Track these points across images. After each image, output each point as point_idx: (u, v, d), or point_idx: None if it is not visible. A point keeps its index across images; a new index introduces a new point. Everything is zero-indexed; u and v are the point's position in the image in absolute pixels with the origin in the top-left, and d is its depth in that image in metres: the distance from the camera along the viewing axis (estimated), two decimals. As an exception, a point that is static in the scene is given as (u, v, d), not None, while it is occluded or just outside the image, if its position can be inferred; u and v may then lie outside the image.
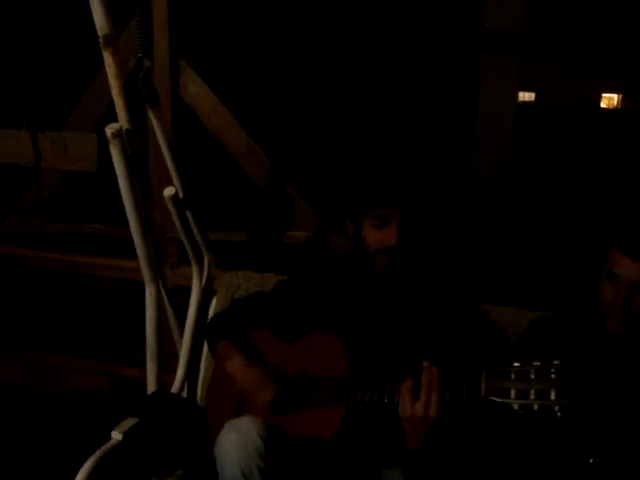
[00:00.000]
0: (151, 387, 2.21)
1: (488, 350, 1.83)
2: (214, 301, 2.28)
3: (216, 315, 2.11)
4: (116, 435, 1.82)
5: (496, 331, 1.95)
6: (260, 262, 2.50)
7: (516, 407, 1.40)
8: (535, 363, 1.42)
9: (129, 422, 1.89)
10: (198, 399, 2.22)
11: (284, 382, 1.79)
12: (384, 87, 3.12)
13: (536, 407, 1.37)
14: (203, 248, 2.24)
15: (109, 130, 1.87)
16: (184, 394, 2.22)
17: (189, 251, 2.18)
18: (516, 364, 1.44)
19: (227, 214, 3.05)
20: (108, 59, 1.86)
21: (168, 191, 1.97)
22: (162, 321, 2.24)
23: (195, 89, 2.89)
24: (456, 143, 2.86)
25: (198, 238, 2.19)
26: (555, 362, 1.40)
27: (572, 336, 1.73)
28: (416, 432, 1.52)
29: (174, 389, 2.15)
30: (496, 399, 1.42)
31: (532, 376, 1.41)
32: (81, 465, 1.73)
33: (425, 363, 1.51)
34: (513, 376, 1.42)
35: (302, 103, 3.20)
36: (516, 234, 2.62)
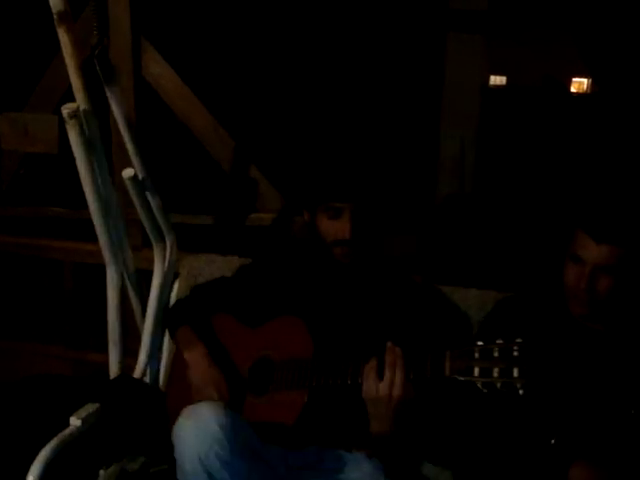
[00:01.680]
0: (114, 372, 2.16)
1: (449, 331, 1.83)
2: (176, 285, 2.24)
3: (177, 301, 2.08)
4: (75, 421, 1.78)
5: (456, 313, 1.96)
6: (224, 245, 2.46)
7: (479, 385, 1.40)
8: (498, 341, 1.42)
9: (89, 408, 1.85)
10: (161, 384, 2.19)
11: (239, 378, 1.77)
12: (348, 69, 3.08)
13: (499, 385, 1.38)
14: (165, 230, 2.19)
15: (65, 110, 1.81)
16: (146, 379, 2.18)
17: (150, 234, 2.14)
18: (479, 342, 1.44)
19: (191, 196, 3.00)
20: (63, 37, 1.80)
21: (127, 172, 1.93)
22: (126, 305, 2.20)
23: (158, 69, 2.83)
24: (421, 128, 2.84)
25: (160, 220, 2.14)
26: (517, 340, 1.40)
27: (536, 317, 1.73)
28: (380, 413, 1.52)
29: (136, 374, 2.11)
30: (460, 378, 1.42)
31: (495, 354, 1.41)
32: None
33: (388, 343, 1.51)
34: (477, 355, 1.43)
35: (267, 85, 3.15)
36: (482, 219, 2.60)
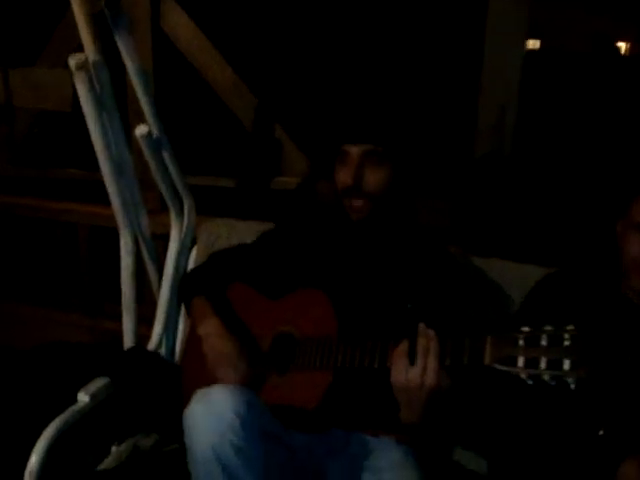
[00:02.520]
0: (128, 343, 2.06)
1: (486, 311, 1.67)
2: (194, 251, 2.11)
3: (192, 270, 1.93)
4: (82, 397, 1.67)
5: (494, 289, 1.82)
6: (246, 210, 2.32)
7: (524, 376, 1.24)
8: (546, 328, 1.26)
9: (98, 383, 1.74)
10: (177, 358, 2.07)
11: (259, 355, 1.63)
12: (383, 24, 2.87)
13: (547, 377, 1.22)
14: (183, 194, 2.06)
15: (73, 61, 1.67)
16: (162, 351, 2.07)
17: (166, 197, 2.00)
18: (525, 328, 1.28)
19: (210, 157, 2.86)
20: (70, -22, 1.65)
21: (140, 129, 1.78)
22: (141, 272, 2.10)
23: (176, 19, 2.67)
24: (459, 88, 2.64)
25: (177, 183, 2.01)
26: (569, 327, 1.24)
27: (585, 297, 1.57)
28: (410, 401, 1.37)
29: (151, 346, 2.00)
30: (502, 367, 1.26)
31: (543, 342, 1.25)
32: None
33: (421, 325, 1.35)
34: (521, 342, 1.26)
35: (292, 37, 2.96)
36: (522, 184, 2.42)
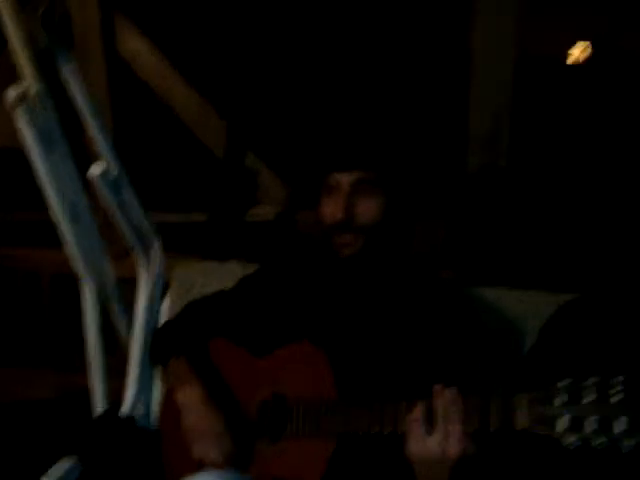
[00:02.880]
0: (98, 407, 1.83)
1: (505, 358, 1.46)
2: (167, 300, 1.87)
3: (167, 323, 1.69)
4: (46, 485, 1.43)
5: (510, 328, 1.61)
6: (221, 246, 2.09)
7: (566, 442, 1.02)
8: (590, 380, 1.04)
9: (64, 464, 1.50)
10: (153, 419, 1.84)
11: (245, 423, 1.41)
12: (364, 37, 2.66)
13: (595, 442, 1.00)
14: (148, 236, 1.83)
15: (10, 94, 1.45)
16: (137, 412, 1.83)
17: (129, 241, 1.77)
18: (563, 382, 1.06)
19: (180, 191, 2.62)
20: (2, 1, 1.44)
21: (95, 169, 1.55)
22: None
23: (135, 45, 2.45)
24: (447, 93, 2.44)
25: (141, 224, 1.78)
26: (618, 378, 1.03)
27: (619, 327, 1.36)
28: (430, 475, 1.15)
29: (124, 410, 1.76)
30: (538, 431, 1.04)
31: (588, 398, 1.03)
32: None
33: (437, 387, 1.13)
34: (561, 399, 1.04)
35: (264, 54, 2.74)
36: (520, 201, 2.22)
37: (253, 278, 1.63)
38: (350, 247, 1.36)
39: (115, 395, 1.83)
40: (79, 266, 1.75)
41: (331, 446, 1.26)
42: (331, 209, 1.35)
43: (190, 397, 1.41)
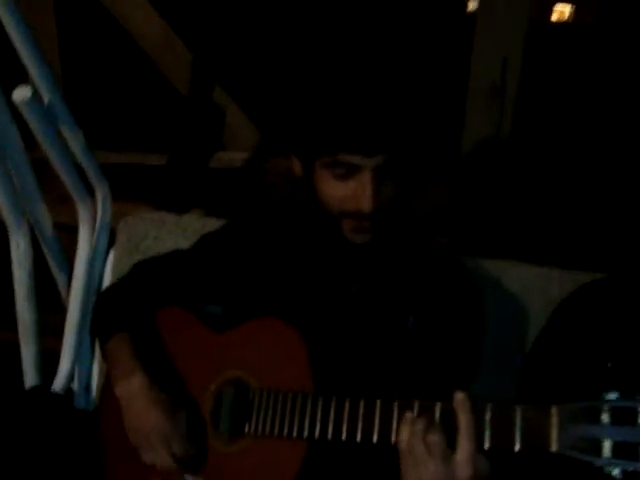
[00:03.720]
0: (29, 378, 1.60)
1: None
2: (111, 255, 1.60)
3: (109, 288, 1.42)
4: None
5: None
6: (179, 194, 1.83)
7: (612, 473, 0.81)
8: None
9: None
10: (94, 394, 1.59)
11: (196, 416, 1.17)
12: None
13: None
14: (93, 180, 1.55)
15: None
16: (74, 386, 1.58)
17: (68, 186, 1.49)
18: (610, 395, 0.85)
19: (135, 128, 2.32)
20: None
21: (21, 93, 1.25)
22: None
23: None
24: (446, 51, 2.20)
25: (84, 164, 1.50)
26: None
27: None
28: None
29: (57, 386, 1.50)
30: (578, 456, 0.83)
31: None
32: None
33: (460, 395, 0.91)
34: (608, 417, 0.82)
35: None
36: (524, 172, 1.98)
37: (218, 237, 1.36)
38: (367, 234, 1.13)
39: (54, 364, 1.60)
40: (6, 213, 1.49)
41: (302, 449, 1.04)
42: (347, 196, 1.09)
43: (131, 388, 1.16)
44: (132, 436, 1.13)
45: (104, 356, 1.27)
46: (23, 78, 1.34)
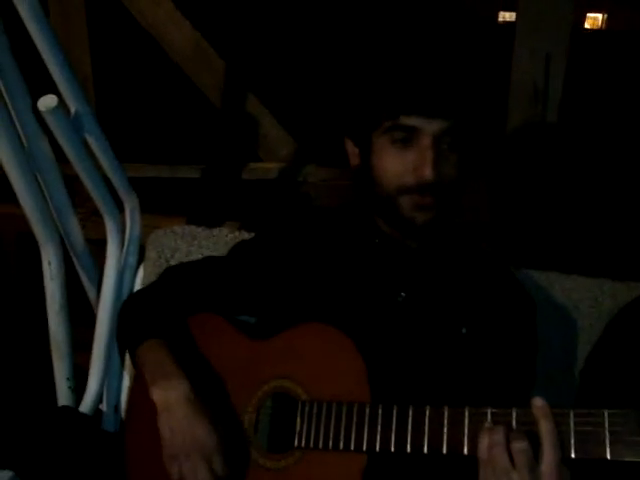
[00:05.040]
0: (61, 398, 1.52)
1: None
2: (140, 272, 1.55)
3: (138, 293, 1.36)
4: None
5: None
6: (212, 207, 1.78)
7: None
8: None
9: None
10: (123, 417, 1.54)
11: (239, 427, 1.09)
12: None
13: None
14: (121, 193, 1.50)
15: None
16: (103, 407, 1.53)
17: (95, 198, 1.44)
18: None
19: (167, 140, 2.29)
20: None
21: (45, 101, 1.21)
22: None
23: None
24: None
25: (112, 177, 1.46)
26: None
27: None
28: None
29: (84, 408, 1.45)
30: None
31: None
32: None
33: (539, 401, 0.86)
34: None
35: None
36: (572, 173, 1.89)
37: (254, 244, 1.30)
38: (428, 211, 1.09)
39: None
40: (37, 229, 1.44)
41: (360, 463, 0.97)
42: (411, 165, 1.06)
43: (173, 395, 1.08)
44: (169, 447, 1.06)
45: (135, 362, 1.20)
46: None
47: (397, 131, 1.04)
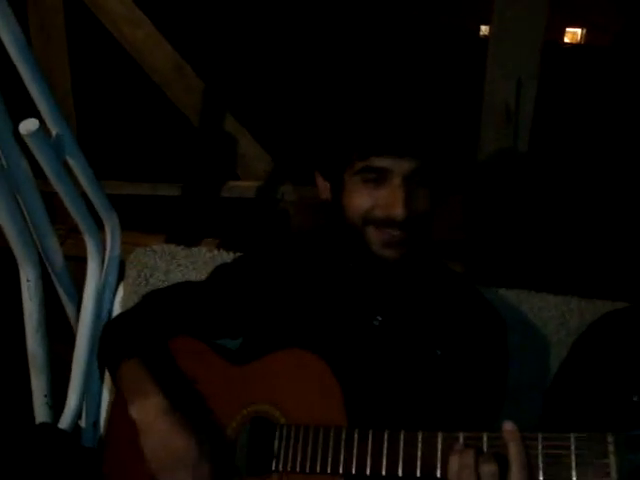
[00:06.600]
0: (40, 414, 1.54)
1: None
2: (120, 290, 1.57)
3: (119, 316, 1.38)
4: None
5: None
6: (192, 224, 1.79)
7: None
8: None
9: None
10: (101, 432, 1.55)
11: (222, 448, 1.11)
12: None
13: None
14: (102, 212, 1.52)
15: None
16: (83, 423, 1.54)
17: (75, 218, 1.45)
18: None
19: (144, 159, 2.30)
20: None
21: (26, 125, 1.23)
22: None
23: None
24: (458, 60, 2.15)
25: (92, 196, 1.48)
26: None
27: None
28: None
29: (64, 424, 1.46)
30: None
31: None
32: None
33: (509, 424, 0.88)
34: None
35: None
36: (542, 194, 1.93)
37: (233, 267, 1.33)
38: (398, 248, 1.12)
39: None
40: (16, 248, 1.44)
41: None
42: (382, 201, 1.09)
43: (151, 412, 1.10)
44: (154, 461, 1.07)
45: (115, 381, 1.22)
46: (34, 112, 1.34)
47: (369, 172, 1.07)
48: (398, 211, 1.06)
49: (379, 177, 1.07)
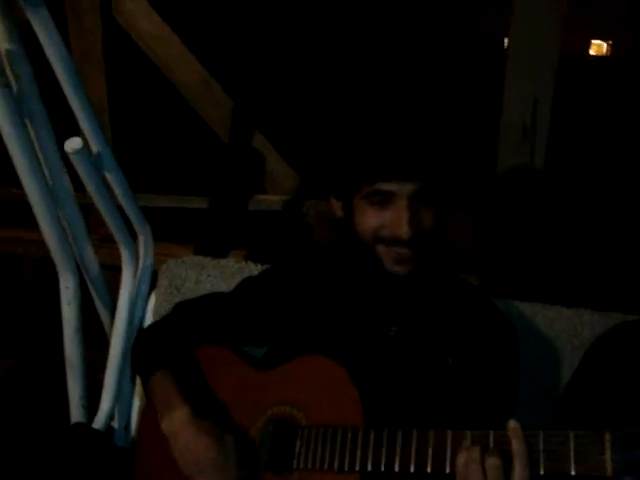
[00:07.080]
0: (75, 415, 1.62)
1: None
2: (152, 299, 1.64)
3: (151, 326, 1.46)
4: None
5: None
6: (220, 236, 1.86)
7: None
8: None
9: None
10: (133, 433, 1.63)
11: (247, 450, 1.18)
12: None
13: None
14: (136, 225, 1.60)
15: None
16: (114, 424, 1.62)
17: (112, 230, 1.54)
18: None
19: (175, 173, 2.38)
20: None
21: (71, 143, 1.32)
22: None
23: (132, 6, 2.20)
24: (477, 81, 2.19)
25: (127, 209, 1.56)
26: None
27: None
28: None
29: (97, 425, 1.54)
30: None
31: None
32: None
33: (513, 423, 0.93)
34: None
35: (275, 23, 2.50)
36: (557, 209, 1.97)
37: (259, 280, 1.41)
38: (408, 264, 1.17)
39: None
40: (56, 256, 1.53)
41: None
42: (388, 221, 1.14)
43: (177, 422, 1.19)
44: (184, 468, 1.16)
45: (146, 392, 1.31)
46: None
47: (375, 195, 1.13)
48: (404, 230, 1.11)
49: (385, 199, 1.13)
